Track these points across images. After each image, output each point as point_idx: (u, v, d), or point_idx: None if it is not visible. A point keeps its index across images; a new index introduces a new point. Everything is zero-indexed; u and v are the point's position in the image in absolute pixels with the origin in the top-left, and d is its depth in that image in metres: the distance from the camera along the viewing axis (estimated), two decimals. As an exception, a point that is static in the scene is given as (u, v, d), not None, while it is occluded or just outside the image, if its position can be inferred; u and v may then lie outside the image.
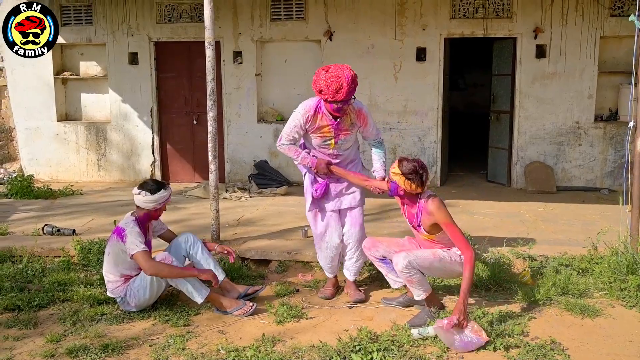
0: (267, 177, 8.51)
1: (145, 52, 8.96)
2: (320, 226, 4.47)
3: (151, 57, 8.97)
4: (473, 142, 11.36)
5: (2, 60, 9.36)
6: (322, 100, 4.11)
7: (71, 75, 9.36)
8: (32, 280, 4.85)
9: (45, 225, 6.01)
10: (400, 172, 3.87)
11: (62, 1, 9.07)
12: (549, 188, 8.19)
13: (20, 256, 5.38)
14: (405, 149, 8.57)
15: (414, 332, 3.74)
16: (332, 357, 3.44)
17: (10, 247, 5.48)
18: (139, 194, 4.23)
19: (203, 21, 8.64)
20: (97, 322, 4.11)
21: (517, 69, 8.35)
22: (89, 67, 9.45)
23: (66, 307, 4.34)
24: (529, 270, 4.85)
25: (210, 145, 5.42)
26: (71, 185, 8.52)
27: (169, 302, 4.43)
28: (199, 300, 4.16)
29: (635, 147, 5.05)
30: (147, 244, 4.26)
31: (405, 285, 4.17)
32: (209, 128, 5.39)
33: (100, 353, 3.60)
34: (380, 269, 4.37)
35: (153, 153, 9.17)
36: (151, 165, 9.19)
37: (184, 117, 9.10)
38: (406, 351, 3.54)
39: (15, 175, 8.81)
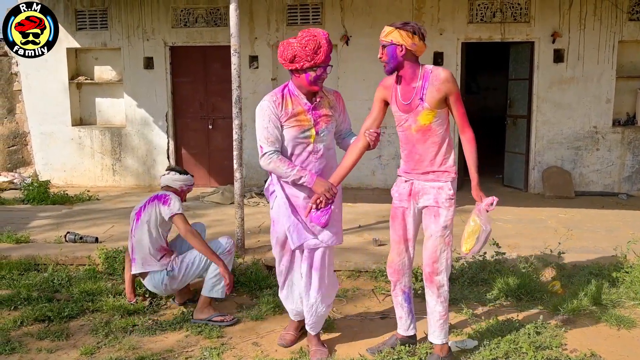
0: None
1: (160, 56, 8.94)
2: (285, 260, 3.71)
3: (166, 62, 8.94)
4: (487, 145, 11.32)
5: (17, 65, 9.34)
6: (290, 83, 3.47)
7: (86, 79, 9.34)
8: (59, 290, 4.82)
9: (68, 232, 5.99)
10: (393, 28, 3.27)
11: (78, 6, 9.04)
12: (567, 193, 8.16)
13: (44, 264, 5.36)
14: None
15: (452, 344, 3.71)
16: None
17: (34, 255, 5.46)
18: (168, 174, 4.52)
19: (219, 25, 8.69)
20: (130, 333, 4.08)
21: (535, 73, 8.32)
22: (103, 72, 9.43)
23: (97, 318, 4.31)
24: (559, 279, 4.83)
25: (235, 153, 5.39)
26: (87, 191, 8.50)
27: (200, 312, 4.40)
28: (205, 292, 4.27)
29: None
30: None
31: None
32: (234, 136, 5.37)
33: (137, 366, 3.58)
34: (397, 309, 3.77)
35: (168, 158, 9.15)
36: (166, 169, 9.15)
37: (199, 121, 9.08)
38: (446, 365, 3.52)
39: (30, 180, 8.78)
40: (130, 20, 8.95)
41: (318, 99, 3.45)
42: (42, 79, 9.23)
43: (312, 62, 3.28)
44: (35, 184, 8.23)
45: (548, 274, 4.99)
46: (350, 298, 4.75)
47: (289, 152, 3.44)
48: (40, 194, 8.00)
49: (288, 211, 3.50)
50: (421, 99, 3.32)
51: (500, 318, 4.17)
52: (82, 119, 9.54)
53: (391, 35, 3.28)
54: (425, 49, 3.33)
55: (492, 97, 13.24)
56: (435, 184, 3.41)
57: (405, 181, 3.52)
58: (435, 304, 3.51)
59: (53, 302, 4.53)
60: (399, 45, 3.25)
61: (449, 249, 3.47)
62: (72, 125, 9.31)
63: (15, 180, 8.95)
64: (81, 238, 5.90)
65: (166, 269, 4.30)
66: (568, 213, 7.16)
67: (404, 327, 3.77)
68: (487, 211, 3.37)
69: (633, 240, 4.99)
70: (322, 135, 3.47)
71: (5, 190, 8.73)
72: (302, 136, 3.43)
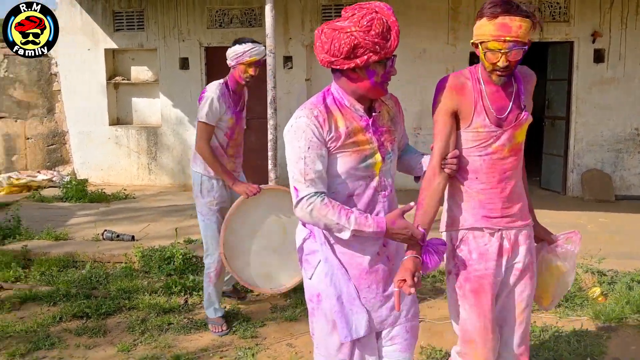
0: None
1: (195, 57, 9.02)
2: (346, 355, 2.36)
3: (201, 62, 9.03)
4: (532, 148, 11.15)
5: (57, 66, 9.54)
6: (333, 89, 2.25)
7: (123, 80, 9.49)
8: (97, 287, 4.90)
9: (105, 230, 6.09)
10: (523, 17, 2.17)
11: (115, 7, 9.19)
12: (607, 197, 7.96)
13: (82, 261, 5.46)
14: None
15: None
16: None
17: (73, 252, 5.57)
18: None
19: (253, 26, 8.72)
20: (165, 331, 4.12)
21: (574, 74, 8.14)
22: (140, 72, 9.56)
23: (133, 316, 4.37)
24: (599, 286, 4.71)
25: (270, 153, 5.40)
26: (124, 189, 8.63)
27: (235, 314, 4.42)
28: (210, 314, 4.16)
29: None
30: (236, 114, 4.04)
31: None
32: (269, 136, 5.38)
33: (172, 364, 3.61)
34: None
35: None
36: (201, 169, 9.24)
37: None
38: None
39: (68, 178, 8.96)
40: (166, 21, 9.06)
41: (378, 109, 2.29)
42: (81, 79, 9.41)
43: (383, 52, 2.11)
44: (73, 182, 8.39)
45: (588, 280, 4.87)
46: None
47: (346, 193, 2.25)
48: (79, 192, 8.15)
49: (346, 283, 2.28)
50: (523, 106, 2.39)
51: (539, 324, 4.08)
52: (118, 118, 9.70)
53: (525, 29, 2.19)
54: None
55: (539, 98, 13.02)
56: (525, 228, 2.47)
57: (487, 234, 2.41)
58: None
59: (91, 299, 4.60)
60: (526, 44, 2.23)
61: None
62: (109, 125, 9.46)
63: (54, 179, 9.13)
64: (118, 236, 5.99)
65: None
66: (608, 217, 6.98)
67: None
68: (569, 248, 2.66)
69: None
70: (388, 161, 2.30)
71: (44, 188, 8.92)
72: (363, 166, 2.23)
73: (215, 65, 9.08)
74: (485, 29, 2.22)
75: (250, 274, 4.10)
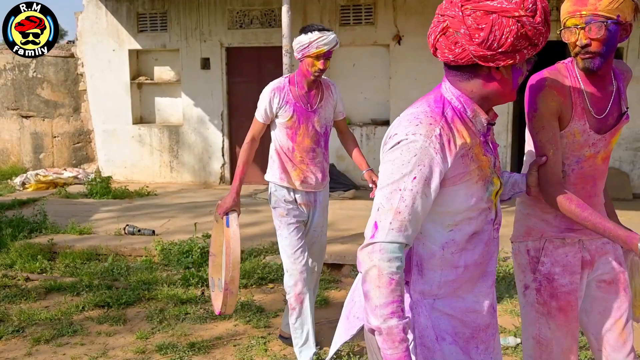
0: (335, 181, 8.59)
1: (217, 57, 9.21)
2: None
3: (222, 62, 9.21)
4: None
5: (83, 66, 9.82)
6: (449, 92, 1.66)
7: (146, 80, 9.73)
8: (118, 279, 5.09)
9: (127, 225, 6.29)
10: None
11: (139, 9, 9.43)
12: (624, 195, 7.94)
13: (105, 255, 5.67)
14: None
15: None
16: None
17: (96, 246, 5.78)
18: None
19: (273, 27, 8.87)
20: (182, 320, 4.28)
21: (592, 72, 8.13)
22: (163, 72, 9.79)
23: (152, 306, 4.54)
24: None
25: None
26: (146, 186, 8.87)
27: (249, 304, 4.56)
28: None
29: None
30: (302, 112, 3.45)
31: None
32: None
33: (188, 351, 3.77)
34: None
35: (223, 156, 9.42)
36: (221, 167, 9.44)
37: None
38: None
39: (93, 175, 9.22)
40: (188, 22, 9.27)
41: (494, 119, 1.73)
42: (106, 79, 9.67)
43: (541, 45, 1.61)
44: (98, 180, 8.65)
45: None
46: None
47: (468, 231, 1.70)
48: (103, 189, 8.40)
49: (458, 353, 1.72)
50: (625, 108, 2.15)
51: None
52: (142, 117, 9.94)
53: (621, 5, 1.94)
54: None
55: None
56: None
57: (569, 244, 2.19)
58: None
59: (112, 290, 4.79)
60: (625, 23, 1.96)
61: None
62: (133, 124, 9.71)
63: (79, 176, 9.41)
64: (139, 231, 6.19)
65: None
66: (625, 215, 6.94)
67: None
68: None
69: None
70: (502, 187, 1.83)
71: (70, 184, 9.20)
72: (487, 195, 1.71)
73: (236, 65, 9.26)
74: (564, 8, 2.01)
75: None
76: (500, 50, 1.55)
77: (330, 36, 3.27)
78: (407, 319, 1.56)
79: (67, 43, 10.69)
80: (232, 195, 3.36)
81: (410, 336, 1.67)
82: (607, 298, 2.20)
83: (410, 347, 1.66)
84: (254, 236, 6.06)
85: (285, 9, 5.43)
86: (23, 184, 9.12)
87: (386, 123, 8.56)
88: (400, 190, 1.55)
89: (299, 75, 3.44)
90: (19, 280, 5.12)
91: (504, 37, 1.53)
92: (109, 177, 8.89)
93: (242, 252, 5.48)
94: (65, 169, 9.61)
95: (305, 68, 3.36)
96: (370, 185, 3.38)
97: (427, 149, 1.55)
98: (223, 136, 9.38)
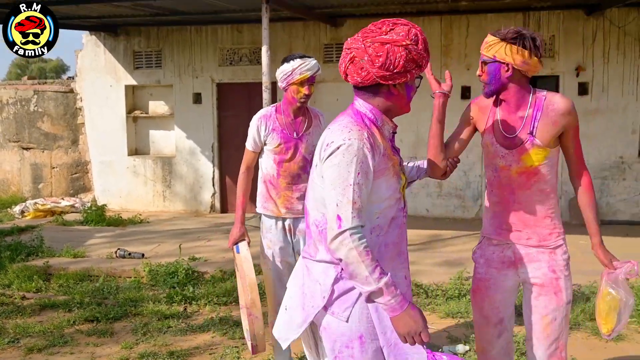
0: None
1: (208, 92, 9.75)
2: None
3: (213, 97, 9.74)
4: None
5: (81, 101, 10.36)
6: (364, 108, 2.12)
7: (141, 113, 10.25)
8: (108, 297, 5.48)
9: (118, 249, 6.71)
10: (498, 39, 2.50)
11: (135, 47, 10.01)
12: (593, 221, 8.35)
13: (97, 276, 6.07)
14: (450, 182, 8.94)
15: (445, 349, 4.12)
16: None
17: (88, 268, 6.19)
18: None
19: (260, 64, 9.37)
20: (164, 333, 4.66)
21: (560, 105, 8.63)
22: (157, 106, 10.32)
23: (137, 320, 4.92)
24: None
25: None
26: (139, 215, 9.30)
27: (227, 319, 4.95)
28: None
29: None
30: (288, 139, 3.54)
31: None
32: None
33: (167, 358, 4.14)
34: None
35: (213, 185, 9.87)
36: (211, 196, 9.89)
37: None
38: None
39: (89, 204, 9.66)
40: (181, 59, 9.83)
41: (395, 128, 2.21)
42: (103, 113, 10.20)
43: (423, 66, 2.12)
44: (93, 208, 9.08)
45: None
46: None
47: (390, 215, 2.13)
48: (98, 217, 8.83)
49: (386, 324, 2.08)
50: (531, 133, 2.55)
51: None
52: (137, 149, 10.43)
53: (495, 49, 2.50)
54: (540, 68, 2.57)
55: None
56: (545, 247, 2.63)
57: (496, 244, 2.70)
58: None
59: (101, 306, 5.19)
60: (504, 63, 2.51)
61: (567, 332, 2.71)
62: (128, 155, 10.20)
63: (76, 205, 9.85)
64: (130, 254, 6.60)
65: None
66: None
67: None
68: (627, 279, 2.64)
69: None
70: (406, 181, 2.31)
71: (67, 213, 9.64)
72: (399, 187, 2.16)
73: (226, 99, 9.79)
74: None
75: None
76: (395, 71, 2.02)
77: (312, 62, 3.40)
78: (389, 274, 1.96)
79: (68, 79, 11.27)
80: (237, 226, 3.53)
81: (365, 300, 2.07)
82: (536, 297, 2.63)
83: (363, 308, 2.06)
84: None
85: (264, 49, 5.95)
86: (22, 212, 9.55)
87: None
88: (350, 185, 1.96)
89: (285, 104, 3.56)
90: (15, 298, 5.50)
91: (397, 60, 2.01)
92: (104, 206, 9.33)
93: (224, 272, 5.91)
94: (62, 198, 10.06)
95: (291, 95, 3.47)
96: None
97: (362, 149, 1.98)
98: (214, 167, 9.85)
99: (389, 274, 1.97)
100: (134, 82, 10.10)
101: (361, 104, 2.13)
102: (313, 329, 2.21)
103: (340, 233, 1.94)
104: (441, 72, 8.86)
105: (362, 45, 2.04)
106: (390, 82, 2.05)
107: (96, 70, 10.19)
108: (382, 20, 2.10)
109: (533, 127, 2.53)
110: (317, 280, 2.12)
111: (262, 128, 3.53)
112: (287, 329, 2.19)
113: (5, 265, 6.23)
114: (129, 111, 10.21)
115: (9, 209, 9.98)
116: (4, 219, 9.37)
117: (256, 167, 3.69)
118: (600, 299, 2.66)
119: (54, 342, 4.47)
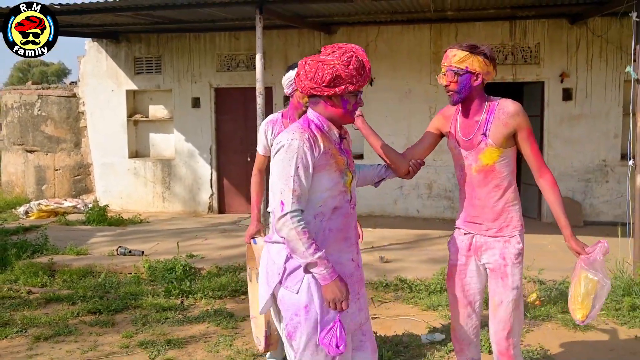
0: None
1: (206, 97, 10.08)
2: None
3: (211, 102, 10.07)
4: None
5: (84, 105, 10.69)
6: (312, 115, 2.59)
7: (141, 117, 10.58)
8: (109, 291, 5.80)
9: (119, 247, 7.03)
10: (468, 53, 2.84)
11: (136, 53, 10.35)
12: (576, 222, 8.67)
13: (99, 272, 6.38)
14: (440, 184, 9.26)
15: (422, 337, 4.43)
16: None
17: (91, 264, 6.50)
18: None
19: (257, 70, 9.76)
20: (162, 323, 4.98)
21: (545, 110, 8.97)
22: (157, 110, 10.65)
23: (137, 312, 5.24)
24: (537, 292, 5.45)
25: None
26: (139, 215, 9.63)
27: (222, 311, 5.26)
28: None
29: (635, 183, 5.67)
30: None
31: None
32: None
33: (165, 346, 4.46)
34: None
35: (211, 187, 10.19)
36: (209, 197, 10.21)
37: (239, 154, 10.10)
38: (413, 350, 4.25)
39: (91, 205, 9.98)
40: (180, 65, 10.16)
41: (345, 135, 2.69)
42: (105, 117, 10.53)
43: (357, 85, 2.50)
44: (95, 209, 9.40)
45: (530, 288, 5.61)
46: (351, 304, 5.52)
47: (332, 205, 2.56)
48: (99, 217, 9.16)
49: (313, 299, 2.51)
50: (484, 134, 2.88)
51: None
52: (137, 152, 10.76)
53: (468, 61, 2.83)
54: (495, 75, 2.95)
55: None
56: (500, 237, 2.95)
57: (464, 233, 3.07)
58: None
59: (103, 300, 5.50)
60: (474, 73, 2.83)
61: (522, 315, 3.05)
62: (129, 158, 10.52)
63: (78, 206, 10.17)
64: (130, 252, 6.92)
65: None
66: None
67: None
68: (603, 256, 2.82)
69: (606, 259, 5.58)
70: (354, 178, 2.73)
71: (69, 213, 9.96)
72: (342, 182, 2.59)
73: (224, 104, 10.12)
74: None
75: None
76: (323, 84, 2.47)
77: None
78: (324, 250, 2.42)
79: (70, 84, 11.60)
80: (253, 223, 3.88)
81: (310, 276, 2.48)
82: (489, 281, 3.01)
83: (309, 282, 2.48)
84: (232, 256, 6.77)
85: (258, 57, 6.28)
86: (26, 212, 9.87)
87: (361, 157, 9.31)
88: (291, 176, 2.41)
89: (291, 109, 3.76)
90: (22, 293, 5.82)
91: (324, 76, 2.46)
92: (105, 206, 9.65)
93: (219, 268, 6.23)
94: (65, 199, 10.38)
95: (297, 101, 3.68)
96: None
97: (302, 147, 2.43)
98: (211, 169, 10.17)
99: (323, 250, 2.41)
100: (134, 87, 10.43)
101: (311, 112, 2.61)
102: (276, 302, 2.62)
103: (283, 216, 2.40)
104: (431, 78, 9.20)
105: (304, 63, 2.53)
106: (319, 93, 2.50)
107: (98, 75, 10.53)
108: (334, 44, 2.56)
109: (486, 129, 2.87)
110: (274, 260, 2.56)
111: (269, 132, 3.76)
112: (260, 301, 2.66)
113: (12, 262, 6.55)
114: (130, 115, 10.54)
115: (13, 210, 10.31)
116: (9, 219, 9.70)
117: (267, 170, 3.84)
118: (576, 285, 2.82)
119: (59, 331, 4.78)
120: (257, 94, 6.23)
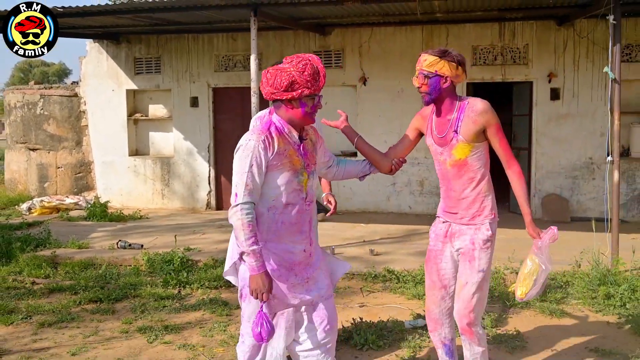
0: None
1: (204, 96, 10.35)
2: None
3: (209, 101, 10.34)
4: (504, 176, 12.17)
5: (85, 104, 10.96)
6: (275, 118, 2.92)
7: (141, 116, 10.85)
8: (110, 282, 6.06)
9: (119, 240, 7.29)
10: (437, 58, 3.10)
11: (136, 54, 10.62)
12: (563, 218, 8.93)
13: (100, 264, 6.64)
14: (432, 181, 9.52)
15: (406, 323, 4.69)
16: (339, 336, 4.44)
17: (92, 257, 6.76)
18: None
19: (254, 70, 10.02)
20: (160, 311, 5.23)
21: (534, 110, 9.23)
22: (156, 110, 10.92)
23: (136, 301, 5.50)
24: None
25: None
26: (139, 211, 9.89)
27: (217, 300, 5.51)
28: None
29: (613, 179, 5.93)
30: None
31: None
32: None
33: (162, 331, 4.72)
34: None
35: (209, 184, 10.46)
36: (207, 194, 10.48)
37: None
38: (395, 335, 4.51)
39: (92, 202, 10.24)
40: (179, 65, 10.43)
41: (306, 136, 3.01)
42: (105, 116, 10.80)
43: (312, 89, 2.82)
44: (96, 205, 9.67)
45: (512, 279, 5.87)
46: (341, 294, 5.77)
47: (284, 201, 2.90)
48: (100, 213, 9.42)
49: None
50: (455, 131, 3.14)
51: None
52: (137, 150, 11.02)
53: (437, 65, 3.09)
54: (465, 78, 3.23)
55: (507, 132, 14.13)
56: (472, 225, 3.22)
57: (443, 222, 3.34)
58: (476, 357, 3.30)
59: (104, 289, 5.76)
60: (443, 76, 3.10)
61: (486, 295, 3.30)
62: (129, 156, 10.79)
63: (80, 202, 10.43)
64: (130, 245, 7.18)
65: None
66: (564, 236, 7.89)
67: None
68: (551, 242, 3.17)
69: (585, 251, 5.85)
70: (312, 178, 3.02)
71: (71, 210, 10.22)
72: (296, 181, 2.91)
73: (222, 103, 10.39)
74: None
75: None
76: (281, 89, 2.81)
77: None
78: (261, 245, 2.81)
79: (72, 84, 11.86)
80: None
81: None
82: (460, 264, 3.27)
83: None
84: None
85: (253, 57, 6.55)
86: (29, 209, 10.14)
87: (354, 154, 9.55)
88: (245, 172, 2.78)
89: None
90: (26, 283, 6.08)
91: (281, 81, 2.80)
92: (106, 203, 9.92)
93: (215, 260, 6.47)
94: (67, 196, 10.64)
95: None
96: (325, 203, 4.08)
97: (257, 147, 2.80)
98: (209, 167, 10.43)
99: (260, 245, 2.80)
100: (134, 87, 10.70)
101: (274, 115, 2.94)
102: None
103: (234, 206, 2.79)
104: (423, 78, 9.45)
105: (265, 71, 2.90)
106: (279, 96, 2.83)
107: (99, 75, 10.80)
108: (293, 55, 2.91)
109: (457, 127, 3.14)
110: (235, 240, 2.97)
111: None
112: (225, 267, 3.26)
113: (17, 255, 6.81)
114: (130, 114, 10.81)
115: (17, 206, 10.57)
116: (13, 215, 9.97)
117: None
118: (523, 266, 3.19)
119: (62, 318, 5.04)
120: (252, 93, 6.48)
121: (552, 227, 3.14)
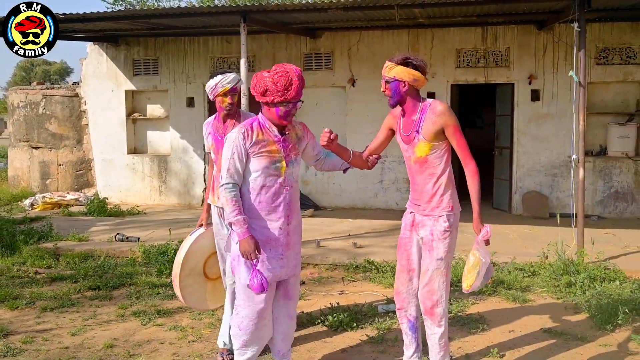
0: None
1: (200, 96, 10.76)
2: (259, 300, 3.49)
3: (205, 101, 10.74)
4: (487, 174, 12.56)
5: (86, 104, 11.37)
6: (260, 114, 3.49)
7: (140, 116, 11.26)
8: (108, 271, 6.47)
9: (117, 234, 7.70)
10: (394, 64, 3.44)
11: (135, 56, 11.03)
12: (542, 214, 9.33)
13: (98, 255, 7.05)
14: (417, 179, 9.94)
15: (379, 308, 5.10)
16: (315, 320, 4.86)
17: (91, 249, 7.18)
18: None
19: (248, 71, 10.40)
20: (154, 297, 5.64)
21: (515, 110, 9.62)
22: (154, 109, 11.33)
23: (132, 289, 5.91)
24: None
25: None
26: (137, 207, 10.31)
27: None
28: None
29: (578, 176, 6.34)
30: (218, 141, 4.08)
31: None
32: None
33: (155, 315, 5.13)
34: (403, 337, 3.87)
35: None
36: (203, 191, 10.88)
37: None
38: (369, 318, 4.92)
39: (92, 198, 10.65)
40: (176, 67, 10.84)
41: (287, 132, 3.50)
42: (105, 115, 11.22)
43: (283, 97, 3.30)
44: (96, 201, 10.08)
45: (484, 269, 6.27)
46: (323, 283, 6.17)
47: (260, 184, 3.42)
48: (100, 209, 9.84)
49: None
50: (417, 131, 3.46)
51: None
52: (135, 148, 11.44)
53: (394, 71, 3.41)
54: (425, 82, 3.48)
55: (491, 131, 14.56)
56: (431, 216, 3.54)
57: (410, 212, 3.67)
58: (435, 336, 3.63)
59: (102, 278, 6.17)
60: (401, 81, 3.40)
61: (447, 281, 3.57)
62: (128, 154, 11.21)
63: (80, 199, 10.84)
64: (127, 238, 7.59)
65: None
66: (533, 229, 8.36)
67: (407, 355, 3.84)
68: (485, 241, 3.45)
69: (551, 244, 6.25)
70: (291, 167, 3.49)
71: (72, 206, 10.64)
72: (273, 167, 3.41)
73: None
74: None
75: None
76: (259, 93, 3.38)
77: (231, 76, 4.00)
78: (245, 216, 3.37)
79: (73, 84, 12.28)
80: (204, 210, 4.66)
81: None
82: (423, 252, 3.62)
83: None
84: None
85: (242, 61, 6.96)
86: (32, 205, 10.56)
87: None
88: (228, 159, 3.38)
89: (218, 112, 4.12)
90: (29, 273, 6.49)
91: (259, 87, 3.37)
92: (105, 199, 10.35)
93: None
94: (68, 193, 11.06)
95: (219, 105, 4.05)
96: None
97: (238, 139, 3.38)
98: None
99: (244, 216, 3.35)
100: (133, 87, 11.11)
101: (260, 114, 3.51)
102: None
103: (222, 185, 3.39)
104: (409, 80, 9.85)
105: (255, 76, 3.41)
106: (258, 100, 3.39)
107: (99, 76, 11.22)
108: (278, 64, 3.41)
109: (419, 127, 3.47)
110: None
111: (205, 131, 4.27)
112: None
113: (20, 247, 7.23)
114: (129, 114, 11.22)
115: (19, 202, 10.99)
116: (16, 210, 10.38)
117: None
118: (467, 260, 3.52)
119: (63, 304, 5.45)
120: (241, 94, 6.88)
121: (485, 225, 3.46)
